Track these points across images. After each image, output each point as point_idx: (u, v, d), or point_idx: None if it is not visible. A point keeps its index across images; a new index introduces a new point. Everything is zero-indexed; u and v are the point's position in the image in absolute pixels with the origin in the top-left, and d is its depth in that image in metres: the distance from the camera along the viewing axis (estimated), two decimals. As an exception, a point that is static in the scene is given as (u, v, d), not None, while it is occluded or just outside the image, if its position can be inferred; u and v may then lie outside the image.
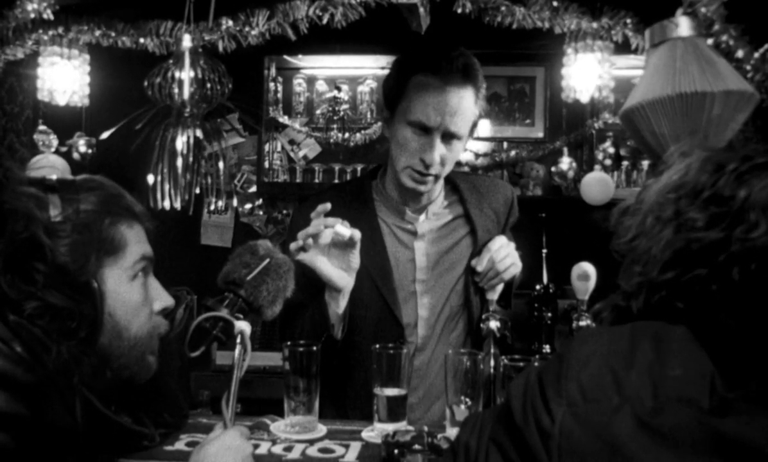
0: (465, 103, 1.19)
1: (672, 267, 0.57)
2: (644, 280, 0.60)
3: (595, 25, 1.82)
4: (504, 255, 1.24)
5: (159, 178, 1.64)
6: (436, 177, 1.24)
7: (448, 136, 1.20)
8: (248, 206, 2.93)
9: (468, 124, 1.22)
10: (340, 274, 1.15)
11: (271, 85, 2.81)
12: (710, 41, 1.57)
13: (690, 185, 0.60)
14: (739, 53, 1.60)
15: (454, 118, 1.18)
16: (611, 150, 2.56)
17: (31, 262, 0.71)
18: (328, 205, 1.11)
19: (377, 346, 1.08)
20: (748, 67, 1.62)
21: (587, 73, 1.95)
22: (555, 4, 1.77)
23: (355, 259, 1.15)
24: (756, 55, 1.62)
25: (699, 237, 0.56)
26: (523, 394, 0.56)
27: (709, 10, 1.48)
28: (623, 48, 1.92)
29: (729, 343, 0.54)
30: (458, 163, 2.41)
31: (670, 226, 0.59)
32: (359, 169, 2.76)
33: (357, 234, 1.12)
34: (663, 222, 0.60)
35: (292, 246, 1.12)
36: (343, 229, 1.10)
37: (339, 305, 1.17)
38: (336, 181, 2.73)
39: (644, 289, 0.60)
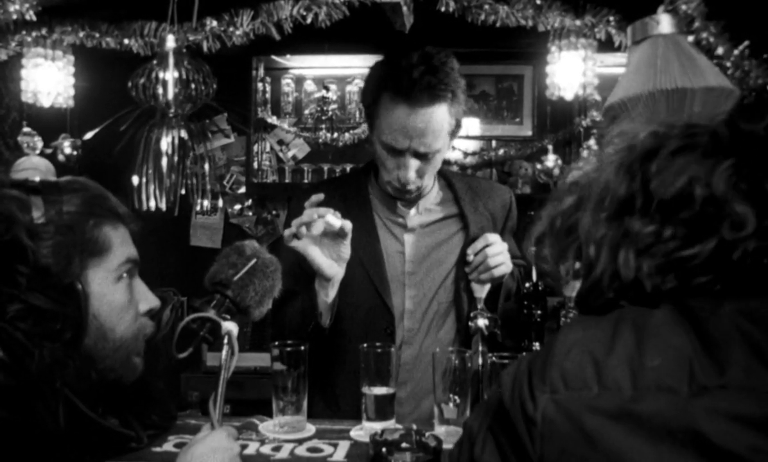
0: (435, 123, 1.17)
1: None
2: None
3: (578, 22, 1.83)
4: (497, 251, 1.24)
5: (144, 179, 1.63)
6: (418, 187, 1.26)
7: (421, 155, 1.21)
8: (237, 207, 2.92)
9: (442, 137, 1.21)
10: (330, 263, 1.16)
11: (260, 85, 2.80)
12: (691, 38, 1.59)
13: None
14: (720, 50, 1.62)
15: (424, 138, 1.18)
16: (595, 147, 2.58)
17: (13, 264, 0.71)
18: (321, 196, 1.13)
19: (365, 344, 1.09)
20: (728, 64, 1.64)
21: (571, 70, 1.96)
22: (538, 2, 1.78)
23: (345, 249, 1.17)
24: (736, 51, 1.64)
25: (693, 253, 0.55)
26: (512, 382, 0.57)
27: (690, 8, 1.50)
28: (607, 46, 1.94)
29: None
30: (447, 162, 2.43)
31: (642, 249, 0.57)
32: (348, 168, 2.76)
33: (348, 225, 1.14)
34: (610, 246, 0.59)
35: (286, 232, 1.15)
36: (334, 220, 1.12)
37: (328, 294, 1.18)
38: (325, 180, 2.73)
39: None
